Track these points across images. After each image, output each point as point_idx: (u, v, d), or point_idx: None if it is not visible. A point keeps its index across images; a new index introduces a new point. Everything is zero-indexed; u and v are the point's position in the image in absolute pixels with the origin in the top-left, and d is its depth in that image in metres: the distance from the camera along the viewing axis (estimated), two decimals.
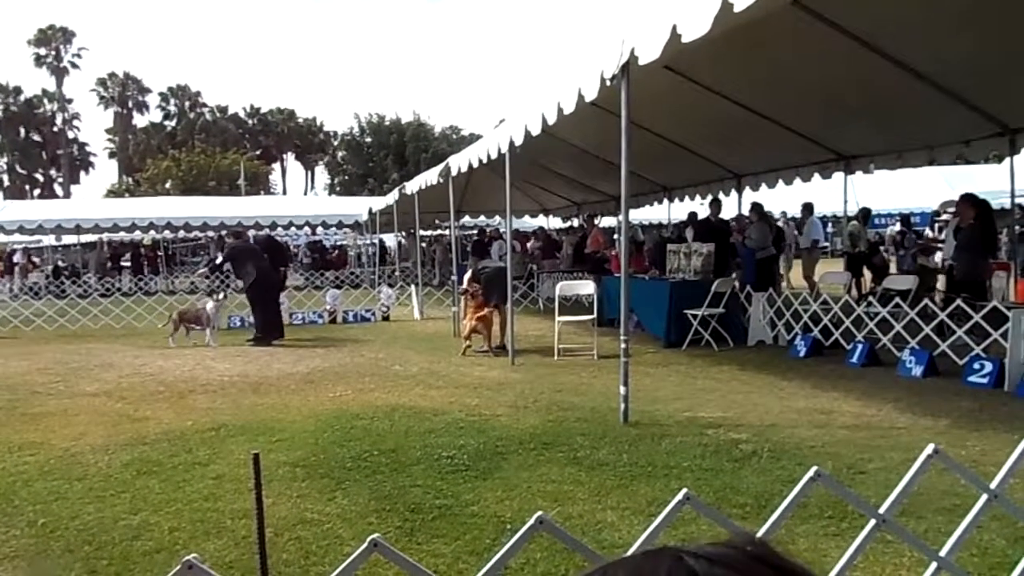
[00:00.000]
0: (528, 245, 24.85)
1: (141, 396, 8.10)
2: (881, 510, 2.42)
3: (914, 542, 2.74)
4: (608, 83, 6.37)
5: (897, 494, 2.42)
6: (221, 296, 12.73)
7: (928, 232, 19.78)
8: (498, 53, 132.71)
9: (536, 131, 8.19)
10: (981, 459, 4.93)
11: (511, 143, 9.01)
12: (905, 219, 20.11)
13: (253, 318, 12.69)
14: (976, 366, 7.61)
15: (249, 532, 3.94)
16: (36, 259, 32.69)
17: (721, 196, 14.43)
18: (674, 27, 5.17)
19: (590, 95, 6.75)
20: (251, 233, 16.85)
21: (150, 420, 6.94)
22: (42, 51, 70.50)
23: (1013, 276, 11.02)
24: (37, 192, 71.60)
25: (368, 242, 29.48)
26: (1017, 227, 12.21)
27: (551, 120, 7.73)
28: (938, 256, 15.33)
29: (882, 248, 16.69)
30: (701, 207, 17.19)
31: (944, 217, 20.08)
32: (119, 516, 4.46)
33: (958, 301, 8.49)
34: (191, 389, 8.42)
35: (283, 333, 12.58)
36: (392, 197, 19.15)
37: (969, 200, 10.11)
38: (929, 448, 2.44)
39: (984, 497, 2.51)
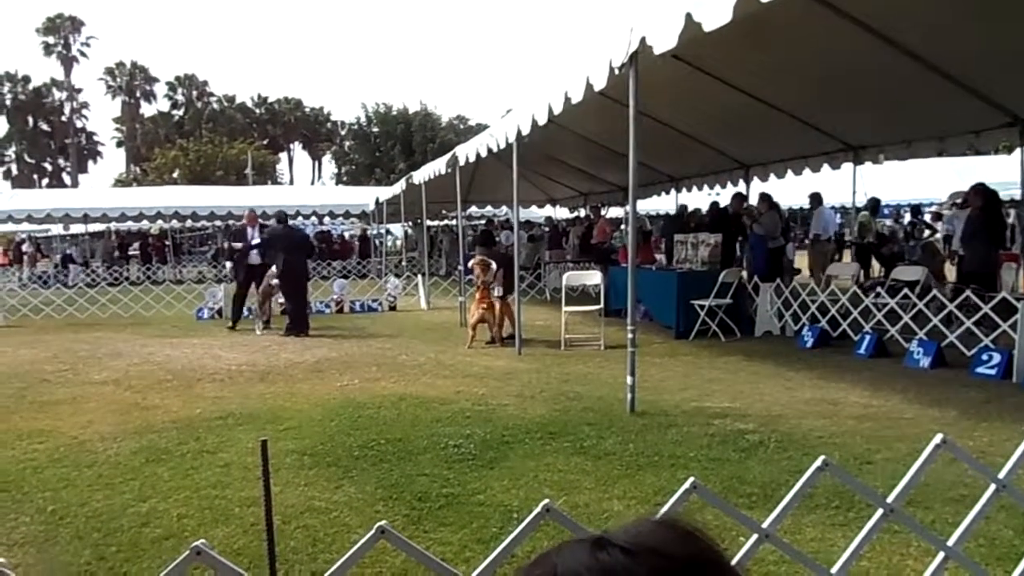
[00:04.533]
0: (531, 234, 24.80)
1: (149, 384, 8.14)
2: (889, 500, 2.41)
3: (921, 532, 2.74)
4: (616, 72, 6.35)
5: (905, 484, 2.42)
6: (275, 282, 12.64)
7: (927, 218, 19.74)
8: (506, 43, 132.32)
9: (543, 121, 8.17)
10: (989, 450, 4.91)
11: (518, 133, 8.99)
12: (915, 209, 20.02)
13: (286, 308, 12.57)
14: (984, 357, 7.58)
15: (257, 519, 3.96)
16: (32, 247, 32.24)
17: (729, 186, 14.38)
18: (689, 15, 5.13)
19: (598, 84, 6.72)
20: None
21: (159, 408, 6.97)
22: (51, 40, 70.55)
23: (1023, 267, 10.96)
24: (45, 181, 71.85)
25: (375, 232, 29.52)
26: None
27: (557, 110, 7.71)
28: (937, 234, 15.32)
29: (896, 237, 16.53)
30: (709, 197, 17.12)
31: (933, 208, 20.02)
32: (128, 503, 4.48)
33: (967, 292, 8.45)
34: (199, 378, 8.46)
35: (308, 328, 12.15)
36: (399, 187, 19.15)
37: (977, 189, 10.06)
38: (937, 438, 2.43)
39: (992, 487, 2.50)
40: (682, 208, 18.49)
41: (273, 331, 12.28)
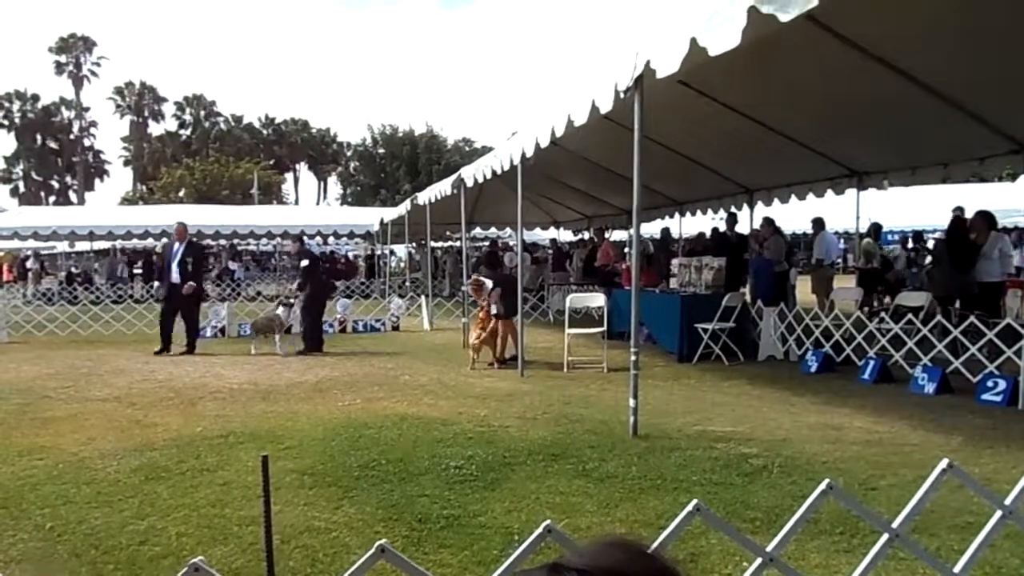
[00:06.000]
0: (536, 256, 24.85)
1: (151, 402, 8.12)
2: (894, 525, 2.39)
3: (927, 558, 2.71)
4: (622, 96, 6.38)
5: (910, 510, 2.39)
6: (292, 301, 12.71)
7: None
8: (512, 65, 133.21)
9: (545, 143, 8.21)
10: (995, 477, 4.87)
11: (523, 155, 9.03)
12: (918, 235, 20.00)
13: (303, 328, 12.70)
14: (990, 384, 7.54)
15: (256, 539, 3.94)
16: (36, 264, 32.00)
17: (733, 210, 14.40)
18: (694, 40, 5.17)
19: (604, 107, 6.74)
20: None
21: (159, 426, 6.95)
22: (63, 59, 71.40)
23: None
24: (52, 199, 72.26)
25: (380, 252, 29.61)
26: None
27: (560, 133, 7.75)
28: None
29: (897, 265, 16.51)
30: (712, 221, 17.13)
31: (937, 234, 20.01)
32: (127, 521, 4.46)
33: (971, 318, 8.42)
34: (201, 396, 8.44)
35: (322, 346, 12.49)
36: (404, 208, 19.22)
37: (977, 215, 10.07)
38: (943, 464, 2.41)
39: (998, 514, 2.48)
40: (665, 232, 18.55)
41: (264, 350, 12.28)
